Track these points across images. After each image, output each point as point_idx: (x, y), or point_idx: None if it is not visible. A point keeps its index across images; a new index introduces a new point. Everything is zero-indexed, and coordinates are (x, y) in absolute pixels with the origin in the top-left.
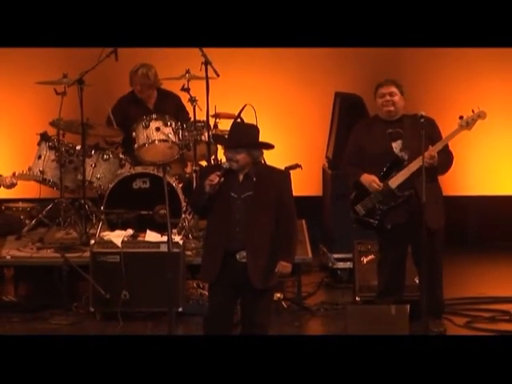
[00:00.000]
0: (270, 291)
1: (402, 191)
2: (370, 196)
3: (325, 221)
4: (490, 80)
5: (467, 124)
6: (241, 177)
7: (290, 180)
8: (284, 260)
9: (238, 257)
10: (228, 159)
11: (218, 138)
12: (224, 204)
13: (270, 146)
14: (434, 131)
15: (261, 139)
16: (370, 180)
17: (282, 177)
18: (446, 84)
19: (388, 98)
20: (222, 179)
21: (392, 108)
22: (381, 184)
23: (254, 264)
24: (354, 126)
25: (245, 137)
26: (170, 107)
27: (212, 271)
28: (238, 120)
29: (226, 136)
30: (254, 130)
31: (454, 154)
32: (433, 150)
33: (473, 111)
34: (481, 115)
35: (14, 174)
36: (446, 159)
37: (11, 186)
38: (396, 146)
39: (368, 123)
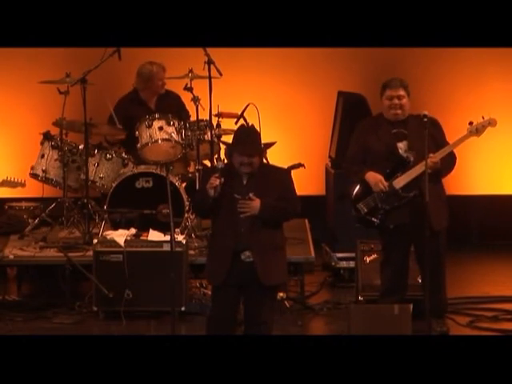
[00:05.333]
0: (274, 290)
1: (406, 192)
2: (372, 195)
3: (328, 220)
4: (494, 80)
5: (477, 131)
6: (244, 178)
7: (291, 177)
8: (264, 201)
9: (242, 257)
10: (242, 164)
11: (235, 148)
12: (229, 206)
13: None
14: (436, 131)
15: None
16: (376, 180)
17: (282, 175)
18: (450, 84)
19: (396, 101)
20: (222, 180)
21: (399, 111)
22: (386, 185)
23: (261, 262)
24: (357, 124)
25: (257, 141)
26: (172, 106)
27: (220, 273)
28: (243, 124)
29: (233, 140)
30: (257, 131)
31: (458, 152)
32: (437, 156)
33: (483, 118)
34: (491, 122)
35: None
36: (449, 162)
37: None
38: (401, 146)
39: (373, 122)
